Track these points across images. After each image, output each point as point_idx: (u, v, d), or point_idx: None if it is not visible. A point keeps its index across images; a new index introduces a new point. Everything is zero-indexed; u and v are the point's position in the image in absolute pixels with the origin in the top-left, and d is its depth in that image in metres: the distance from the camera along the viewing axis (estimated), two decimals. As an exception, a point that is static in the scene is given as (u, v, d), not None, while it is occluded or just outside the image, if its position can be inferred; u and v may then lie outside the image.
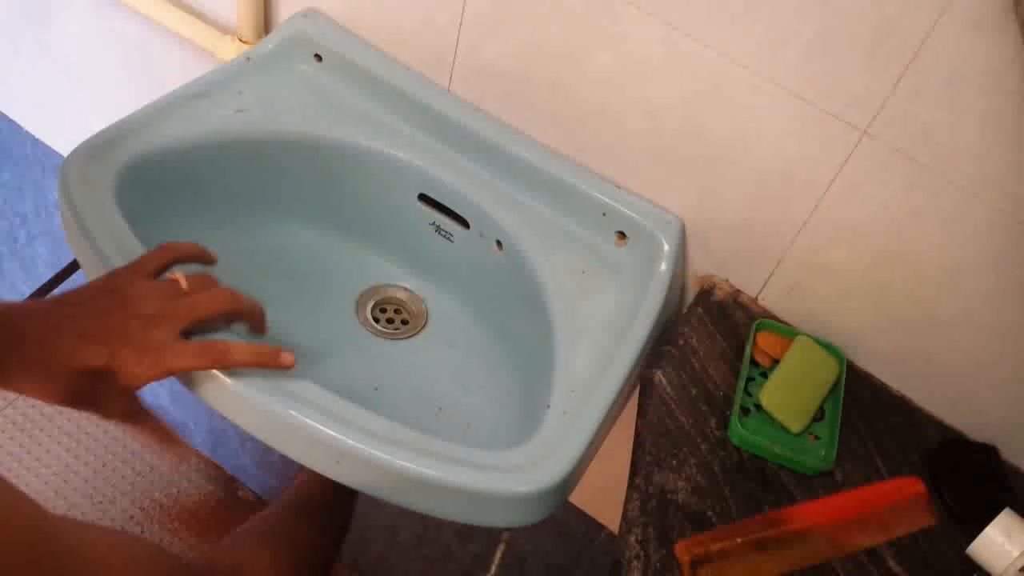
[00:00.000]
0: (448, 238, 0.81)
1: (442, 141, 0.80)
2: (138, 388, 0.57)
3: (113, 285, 0.58)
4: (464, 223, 0.79)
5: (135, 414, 0.60)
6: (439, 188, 0.79)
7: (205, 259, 0.65)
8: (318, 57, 0.83)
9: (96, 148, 0.68)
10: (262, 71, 0.81)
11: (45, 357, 0.55)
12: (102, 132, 0.69)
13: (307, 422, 0.57)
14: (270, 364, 0.59)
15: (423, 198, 0.80)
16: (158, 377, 0.57)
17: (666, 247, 0.73)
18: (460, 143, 0.79)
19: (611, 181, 0.76)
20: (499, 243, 0.77)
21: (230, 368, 0.58)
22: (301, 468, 0.63)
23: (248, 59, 0.82)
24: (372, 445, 0.57)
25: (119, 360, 0.55)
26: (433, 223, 0.81)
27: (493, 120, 0.79)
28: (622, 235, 0.75)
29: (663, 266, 0.73)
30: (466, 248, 0.80)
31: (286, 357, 0.59)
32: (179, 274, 0.61)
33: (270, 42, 0.83)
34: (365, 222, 0.83)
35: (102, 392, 0.57)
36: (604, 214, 0.75)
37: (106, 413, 0.59)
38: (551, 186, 0.76)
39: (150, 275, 0.60)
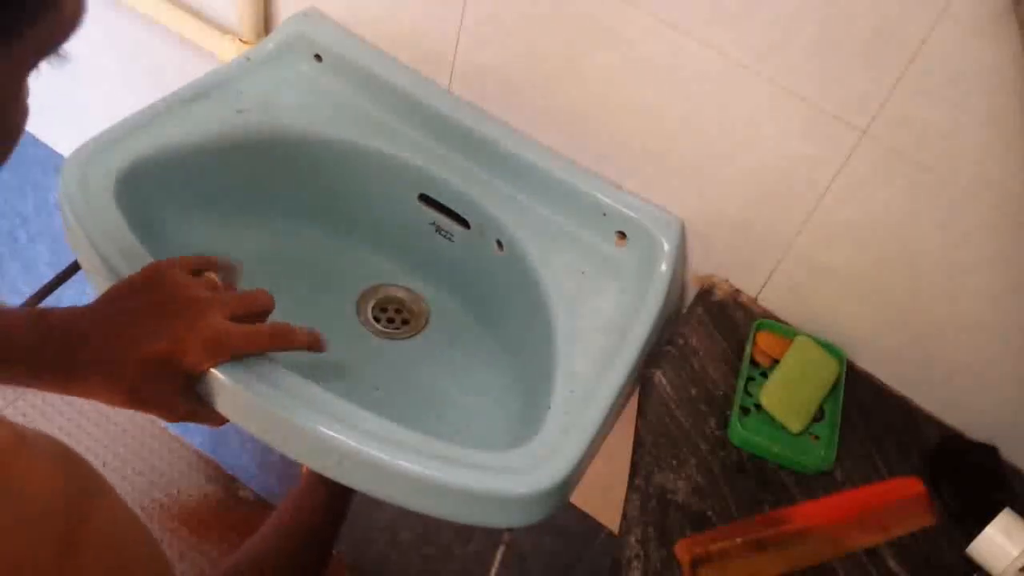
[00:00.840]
0: (448, 238, 0.81)
1: (442, 141, 0.80)
2: (201, 375, 0.57)
3: (156, 276, 0.59)
4: (464, 223, 0.79)
5: (195, 410, 0.59)
6: (439, 188, 0.79)
7: (229, 270, 0.66)
8: (318, 57, 0.83)
9: (97, 149, 0.68)
10: (262, 71, 0.81)
11: (110, 352, 0.55)
12: (103, 133, 0.70)
13: (308, 423, 0.57)
14: (317, 346, 0.62)
15: (423, 198, 0.80)
16: (222, 360, 0.57)
17: (666, 247, 0.73)
18: (460, 143, 0.79)
19: (611, 181, 0.76)
20: (499, 243, 0.77)
21: (292, 350, 0.60)
22: (298, 474, 0.63)
23: (248, 59, 0.82)
24: (373, 446, 0.57)
25: (182, 346, 0.55)
26: (433, 223, 0.81)
27: (493, 120, 0.79)
28: (622, 235, 0.75)
29: (663, 266, 0.73)
30: (466, 248, 0.80)
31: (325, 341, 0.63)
32: (212, 274, 0.62)
33: (270, 42, 0.83)
34: (365, 222, 0.83)
35: (165, 386, 0.56)
36: (604, 214, 0.75)
37: (169, 411, 0.59)
38: (551, 186, 0.76)
39: (188, 269, 0.61)
